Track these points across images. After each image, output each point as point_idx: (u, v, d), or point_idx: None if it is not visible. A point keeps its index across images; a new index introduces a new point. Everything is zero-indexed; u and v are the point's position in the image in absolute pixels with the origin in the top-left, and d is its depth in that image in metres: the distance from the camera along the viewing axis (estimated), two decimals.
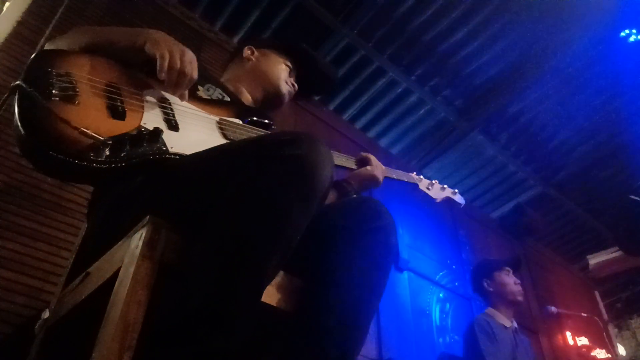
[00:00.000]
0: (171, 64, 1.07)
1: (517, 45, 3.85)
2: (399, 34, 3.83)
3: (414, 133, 4.60)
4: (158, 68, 1.06)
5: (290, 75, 1.56)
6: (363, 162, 1.41)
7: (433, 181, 1.65)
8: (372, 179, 1.38)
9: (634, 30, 3.71)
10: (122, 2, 3.10)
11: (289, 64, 1.56)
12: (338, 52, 3.90)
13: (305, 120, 3.87)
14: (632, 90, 4.10)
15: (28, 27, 2.59)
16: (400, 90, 4.22)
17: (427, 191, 1.63)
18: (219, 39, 3.58)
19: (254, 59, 1.55)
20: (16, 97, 0.89)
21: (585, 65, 3.96)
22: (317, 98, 4.15)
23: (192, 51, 1.14)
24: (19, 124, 0.86)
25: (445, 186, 1.70)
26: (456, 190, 1.71)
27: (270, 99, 1.52)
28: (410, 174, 1.61)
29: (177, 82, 1.09)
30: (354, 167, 1.39)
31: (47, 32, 2.62)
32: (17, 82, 0.90)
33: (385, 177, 1.46)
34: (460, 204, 1.71)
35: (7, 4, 2.72)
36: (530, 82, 4.09)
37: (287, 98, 1.55)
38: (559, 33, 3.72)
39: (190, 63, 1.11)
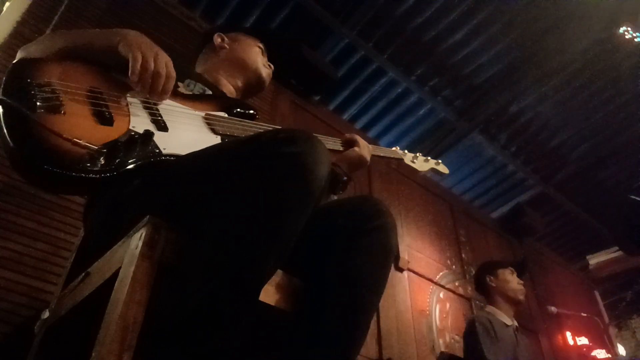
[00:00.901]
0: (144, 65, 1.03)
1: (517, 45, 3.85)
2: (399, 34, 3.83)
3: (414, 133, 4.60)
4: (130, 70, 1.02)
5: (264, 55, 1.54)
6: (350, 144, 1.38)
7: (417, 154, 1.66)
8: (361, 159, 1.35)
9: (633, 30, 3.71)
10: (121, 3, 3.09)
11: (260, 45, 1.54)
12: (338, 52, 3.90)
13: (304, 120, 3.86)
14: (631, 90, 4.10)
15: (28, 27, 2.58)
16: (400, 90, 4.22)
17: (412, 164, 1.62)
18: None
19: (226, 46, 1.51)
20: (0, 112, 0.86)
21: (585, 65, 3.96)
22: (317, 98, 4.15)
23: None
24: (9, 140, 0.83)
25: (429, 158, 1.70)
26: (439, 161, 1.71)
27: (252, 85, 1.50)
28: (393, 148, 1.61)
29: (152, 84, 1.04)
30: (340, 149, 1.37)
31: (47, 32, 2.61)
32: (0, 97, 0.87)
33: (372, 155, 1.44)
34: (444, 173, 1.71)
35: (7, 4, 2.71)
36: (530, 82, 4.09)
37: (267, 81, 1.53)
38: (559, 33, 3.72)
39: (166, 64, 1.07)
